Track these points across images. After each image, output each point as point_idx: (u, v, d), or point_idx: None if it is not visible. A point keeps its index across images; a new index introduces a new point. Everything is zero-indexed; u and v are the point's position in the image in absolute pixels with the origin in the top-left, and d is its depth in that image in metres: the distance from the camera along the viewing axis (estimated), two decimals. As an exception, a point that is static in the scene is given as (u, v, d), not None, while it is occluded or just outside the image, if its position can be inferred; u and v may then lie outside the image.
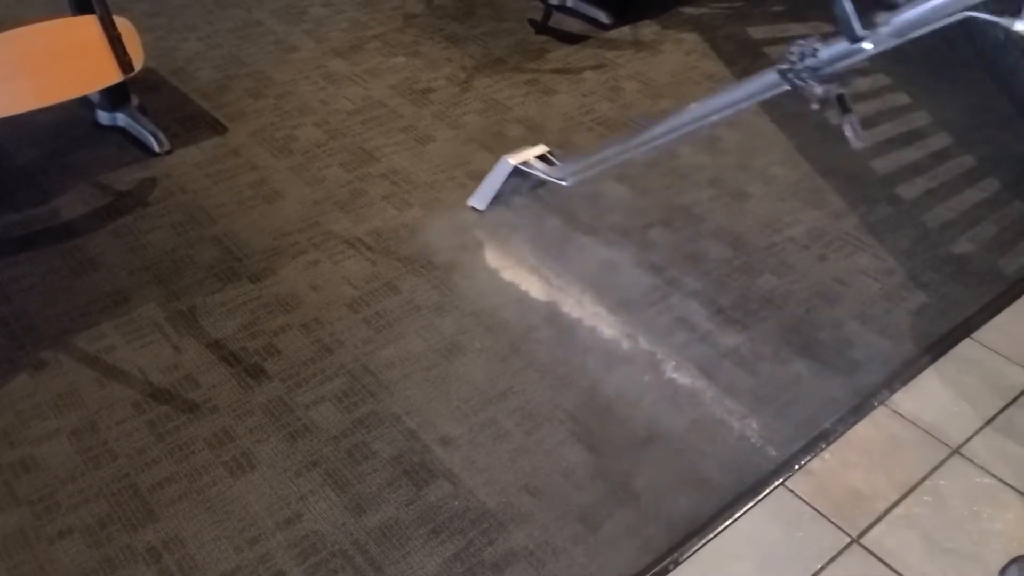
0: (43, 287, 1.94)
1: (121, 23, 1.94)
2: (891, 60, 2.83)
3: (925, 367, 1.79)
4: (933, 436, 1.65)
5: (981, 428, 1.67)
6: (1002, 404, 1.72)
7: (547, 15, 3.10)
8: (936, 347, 1.83)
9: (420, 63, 2.80)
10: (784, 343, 1.84)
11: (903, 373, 1.77)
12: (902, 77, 2.74)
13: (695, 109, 1.81)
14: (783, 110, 2.58)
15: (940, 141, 2.46)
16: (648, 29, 3.02)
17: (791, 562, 1.45)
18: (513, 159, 2.12)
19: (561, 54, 2.86)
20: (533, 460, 1.60)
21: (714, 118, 1.80)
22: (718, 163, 2.36)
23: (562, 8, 3.12)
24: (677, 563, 1.44)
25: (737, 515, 1.51)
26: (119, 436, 1.63)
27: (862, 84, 2.71)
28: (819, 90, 1.54)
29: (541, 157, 2.18)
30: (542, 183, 2.16)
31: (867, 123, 2.53)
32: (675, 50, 2.89)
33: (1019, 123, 2.53)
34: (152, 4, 3.11)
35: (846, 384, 1.75)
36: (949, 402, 1.72)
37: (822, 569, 1.44)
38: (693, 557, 1.45)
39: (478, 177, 2.28)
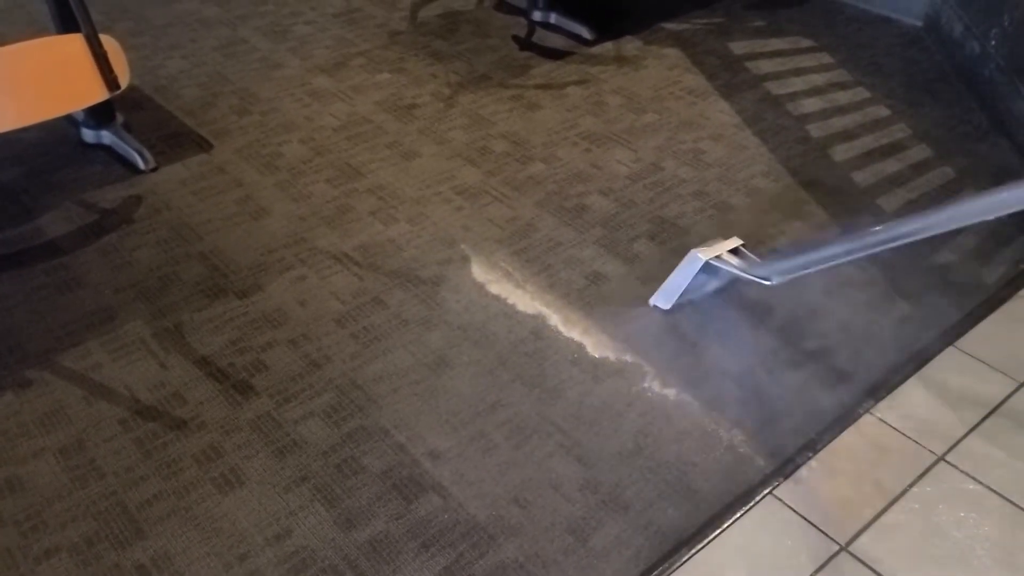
0: (28, 305, 1.93)
1: (107, 41, 1.94)
2: (870, 74, 2.87)
3: (909, 376, 1.81)
4: (918, 444, 1.67)
5: (966, 435, 1.69)
6: (986, 411, 1.74)
7: (530, 31, 3.12)
8: (920, 356, 1.85)
9: (405, 79, 2.81)
10: (770, 353, 1.85)
11: (888, 382, 1.79)
12: (881, 91, 2.78)
13: (917, 220, 1.54)
14: (765, 123, 2.61)
15: (919, 153, 2.49)
16: (631, 45, 3.05)
17: (781, 570, 1.45)
18: (704, 253, 1.89)
19: (545, 70, 2.89)
20: (522, 472, 1.60)
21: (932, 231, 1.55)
22: (702, 176, 2.38)
23: (545, 24, 3.15)
24: (667, 573, 1.45)
25: (726, 524, 1.52)
26: (106, 454, 1.62)
27: (842, 98, 2.75)
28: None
29: (734, 251, 1.93)
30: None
31: (847, 136, 2.56)
32: (657, 65, 2.92)
33: (996, 135, 2.57)
34: (136, 23, 3.12)
35: (832, 393, 1.76)
36: (934, 410, 1.74)
37: (811, 577, 1.45)
38: (683, 567, 1.46)
39: (464, 192, 2.30)
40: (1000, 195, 1.38)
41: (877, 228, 1.58)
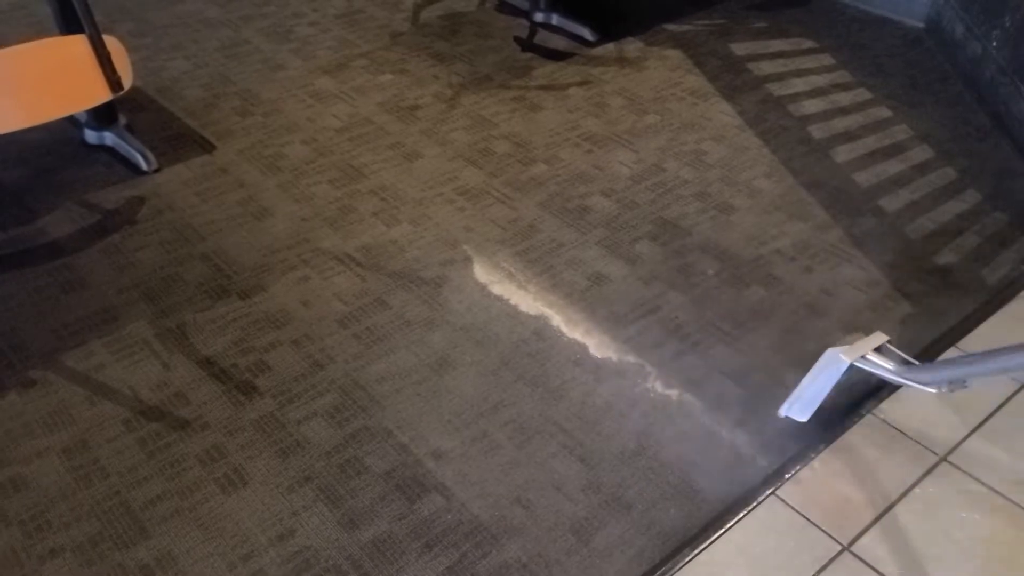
0: (31, 306, 1.94)
1: (110, 42, 1.95)
2: (871, 75, 2.87)
3: (911, 376, 1.81)
4: (920, 444, 1.67)
5: (967, 436, 1.69)
6: (987, 412, 1.74)
7: (532, 32, 3.13)
8: (922, 356, 1.85)
9: (407, 81, 2.82)
10: (772, 354, 1.85)
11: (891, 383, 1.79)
12: (882, 92, 2.79)
13: None
14: (767, 124, 2.62)
15: (921, 154, 2.50)
16: (632, 46, 3.05)
17: (783, 571, 1.46)
18: (847, 355, 1.61)
19: (547, 71, 2.89)
20: (525, 473, 1.60)
21: None
22: (703, 177, 2.39)
23: (547, 26, 3.15)
24: (670, 573, 1.45)
25: (729, 525, 1.52)
26: (110, 454, 1.62)
27: (844, 99, 2.75)
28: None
29: (879, 349, 1.65)
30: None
31: (849, 137, 2.57)
32: (659, 66, 2.92)
33: (997, 136, 2.57)
34: (138, 24, 3.12)
35: (835, 393, 1.76)
36: (935, 411, 1.74)
37: (814, 577, 1.45)
38: (686, 567, 1.46)
39: (466, 193, 2.30)
40: None
41: None
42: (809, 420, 1.69)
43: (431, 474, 1.60)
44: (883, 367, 1.60)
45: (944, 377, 1.51)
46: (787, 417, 1.69)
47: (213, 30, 3.10)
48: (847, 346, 1.63)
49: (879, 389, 1.77)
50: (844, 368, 1.61)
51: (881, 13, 3.26)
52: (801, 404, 1.67)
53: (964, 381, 1.50)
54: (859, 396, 1.76)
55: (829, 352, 1.63)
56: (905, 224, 2.22)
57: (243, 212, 2.23)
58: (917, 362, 1.62)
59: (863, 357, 1.61)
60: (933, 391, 1.54)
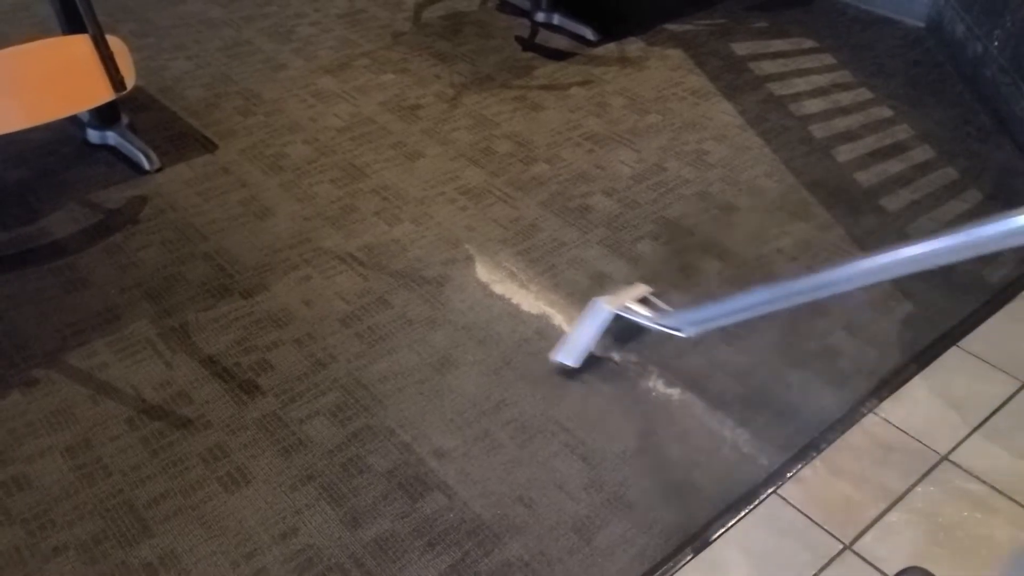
0: (34, 305, 1.94)
1: (113, 42, 1.95)
2: (872, 75, 2.88)
3: (912, 375, 1.81)
4: (922, 443, 1.67)
5: (969, 435, 1.69)
6: (989, 411, 1.74)
7: (534, 32, 3.13)
8: (923, 356, 1.86)
9: (409, 80, 2.82)
10: (774, 353, 1.86)
11: (891, 382, 1.80)
12: (883, 91, 2.79)
13: (829, 274, 1.45)
14: (768, 124, 2.62)
15: (922, 154, 2.50)
16: (633, 46, 3.05)
17: (784, 569, 1.46)
18: (610, 304, 1.77)
19: (548, 70, 2.89)
20: (527, 471, 1.61)
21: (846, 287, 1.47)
22: (705, 176, 2.39)
23: (548, 25, 3.15)
24: (672, 572, 1.45)
25: (730, 523, 1.53)
26: (113, 453, 1.62)
27: (845, 98, 2.75)
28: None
29: (642, 300, 1.84)
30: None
31: (850, 137, 2.57)
32: (660, 66, 2.92)
33: (998, 135, 2.57)
34: (140, 24, 3.13)
35: (835, 393, 1.77)
36: (937, 410, 1.74)
37: (815, 576, 1.46)
38: (687, 566, 1.46)
39: (467, 192, 2.30)
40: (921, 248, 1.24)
41: (794, 280, 1.47)
42: (810, 420, 1.69)
43: (433, 473, 1.60)
44: (640, 314, 1.78)
45: (688, 320, 1.69)
46: (559, 362, 1.79)
47: (215, 30, 3.10)
48: (610, 296, 1.79)
49: (880, 388, 1.78)
50: (607, 316, 1.77)
51: (882, 13, 3.26)
52: (570, 349, 1.80)
53: (705, 323, 1.67)
54: (863, 394, 1.77)
55: (594, 302, 1.79)
56: (906, 223, 2.22)
57: (245, 211, 2.23)
58: (668, 308, 1.79)
59: (624, 306, 1.78)
60: (681, 335, 1.70)
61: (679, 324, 1.69)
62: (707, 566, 1.46)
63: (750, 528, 1.52)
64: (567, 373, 1.79)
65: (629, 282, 2.02)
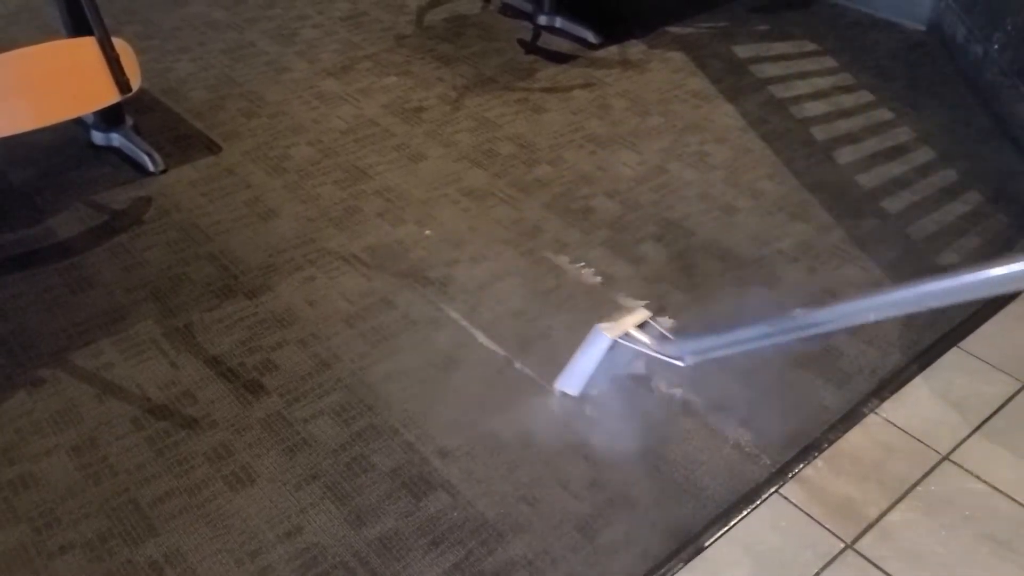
0: (40, 305, 1.95)
1: (118, 44, 1.96)
2: (873, 77, 2.89)
3: (914, 376, 1.82)
4: (923, 443, 1.68)
5: (970, 435, 1.70)
6: (990, 411, 1.75)
7: (536, 35, 3.14)
8: (924, 356, 1.86)
9: (411, 83, 2.83)
10: (776, 354, 1.86)
11: (892, 382, 1.80)
12: (885, 94, 2.80)
13: (837, 310, 1.41)
14: (769, 126, 2.63)
15: (923, 156, 2.51)
16: (635, 48, 3.07)
17: (786, 568, 1.47)
18: (610, 332, 1.71)
19: (550, 73, 2.91)
20: (530, 471, 1.61)
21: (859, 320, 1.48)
22: (706, 178, 2.40)
23: (550, 28, 3.17)
24: (674, 571, 1.46)
25: (733, 523, 1.54)
26: (118, 452, 1.63)
27: (846, 101, 2.76)
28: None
29: (642, 325, 1.76)
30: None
31: (851, 139, 2.58)
32: (662, 68, 2.94)
33: (998, 138, 2.58)
34: (144, 26, 3.14)
35: (837, 393, 1.78)
36: (938, 410, 1.75)
37: (817, 575, 1.46)
38: (690, 565, 1.47)
39: (470, 194, 2.32)
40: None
41: (796, 315, 1.41)
42: (812, 420, 1.70)
43: (437, 472, 1.61)
44: (640, 341, 1.70)
45: (688, 349, 1.63)
46: (561, 392, 1.75)
47: (219, 32, 3.12)
48: (611, 323, 1.72)
49: (881, 388, 1.79)
50: (607, 344, 1.70)
51: (883, 16, 3.28)
52: (571, 378, 1.75)
53: (704, 352, 1.61)
54: (864, 395, 1.78)
55: (594, 329, 1.72)
56: (907, 225, 2.23)
57: (249, 213, 2.24)
58: (670, 336, 1.72)
59: (625, 333, 1.71)
60: (680, 363, 1.63)
61: (679, 353, 1.65)
62: (709, 565, 1.47)
63: (752, 527, 1.53)
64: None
65: (631, 285, 2.03)
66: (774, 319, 1.45)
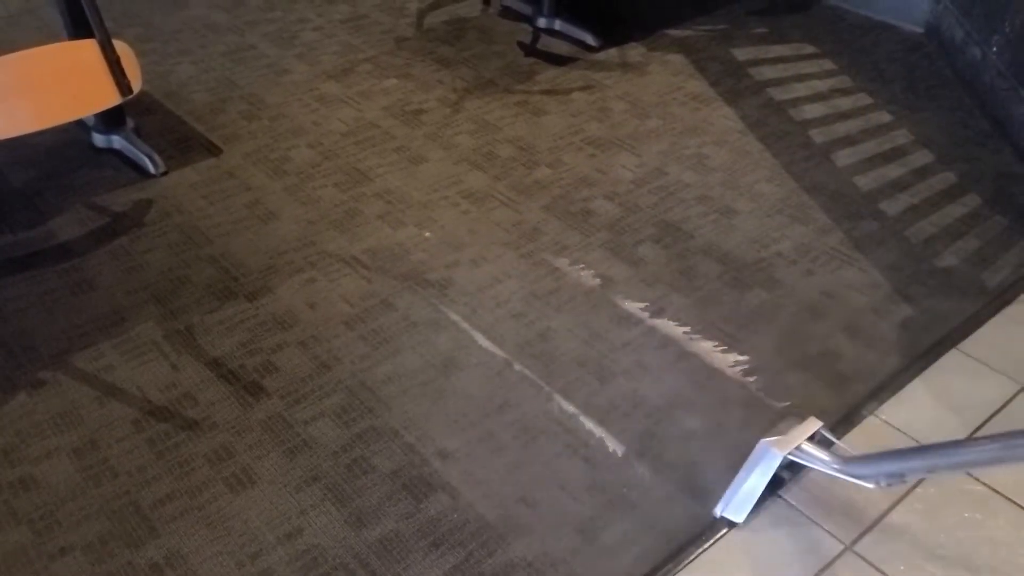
0: (41, 307, 1.96)
1: (120, 46, 1.97)
2: (872, 80, 2.89)
3: (912, 378, 1.83)
4: (922, 445, 1.69)
5: (969, 436, 1.71)
6: (988, 413, 1.76)
7: (535, 38, 3.15)
8: (923, 358, 1.87)
9: (412, 85, 2.84)
10: (774, 355, 1.87)
11: (891, 384, 1.81)
12: (883, 96, 2.81)
13: None
14: (768, 129, 2.64)
15: (921, 158, 2.51)
16: (634, 51, 3.07)
17: (786, 569, 1.47)
18: (780, 448, 1.50)
19: (550, 75, 2.91)
20: (531, 472, 1.62)
21: None
22: (705, 181, 2.41)
23: (550, 31, 3.17)
24: (674, 572, 1.46)
25: (733, 525, 1.54)
26: (119, 454, 1.64)
27: (844, 103, 2.77)
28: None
29: (812, 437, 1.55)
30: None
31: (850, 141, 2.59)
32: (661, 71, 2.94)
33: (997, 140, 2.59)
34: (145, 29, 3.15)
35: (836, 395, 1.78)
36: (936, 412, 1.76)
37: (816, 576, 1.47)
38: (690, 566, 1.47)
39: (470, 196, 2.32)
40: None
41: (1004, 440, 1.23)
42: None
43: (437, 474, 1.61)
44: (819, 459, 1.51)
45: (882, 471, 1.43)
46: (724, 517, 1.54)
47: (219, 35, 3.12)
48: (779, 437, 1.53)
49: (880, 390, 1.79)
50: (777, 462, 1.52)
51: (881, 19, 3.28)
52: (737, 502, 1.54)
53: (903, 476, 1.42)
54: (863, 397, 1.78)
55: (761, 444, 1.52)
56: (906, 227, 2.24)
57: (250, 215, 2.25)
58: (849, 449, 1.55)
59: (798, 448, 1.52)
60: (871, 486, 1.47)
61: (865, 474, 1.44)
62: (709, 567, 1.48)
63: (752, 529, 1.53)
64: (568, 375, 1.81)
65: (630, 287, 2.03)
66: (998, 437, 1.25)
